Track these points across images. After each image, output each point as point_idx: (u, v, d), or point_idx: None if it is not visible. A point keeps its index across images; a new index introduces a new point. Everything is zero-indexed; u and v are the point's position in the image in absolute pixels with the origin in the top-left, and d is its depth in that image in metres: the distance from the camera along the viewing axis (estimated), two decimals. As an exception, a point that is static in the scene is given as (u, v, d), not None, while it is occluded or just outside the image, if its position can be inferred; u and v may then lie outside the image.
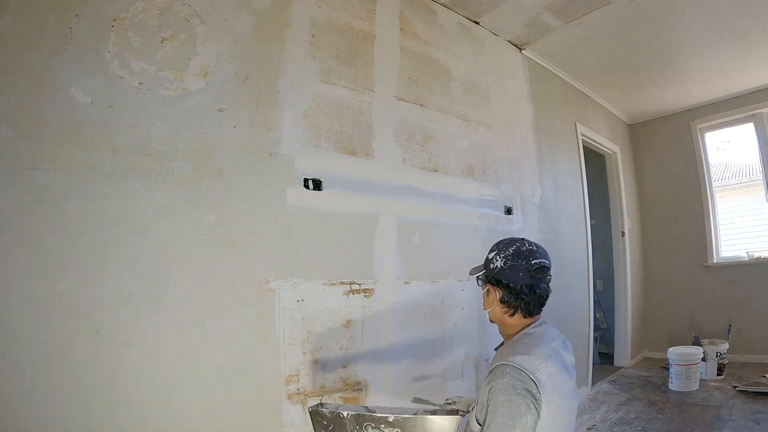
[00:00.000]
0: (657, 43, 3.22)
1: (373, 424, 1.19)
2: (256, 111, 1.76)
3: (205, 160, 1.61)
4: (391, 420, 1.17)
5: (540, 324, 1.17)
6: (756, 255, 4.11)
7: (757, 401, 2.85)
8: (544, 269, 1.14)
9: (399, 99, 2.29)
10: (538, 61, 3.39)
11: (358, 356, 1.93)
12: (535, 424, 0.97)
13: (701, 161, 4.43)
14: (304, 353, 1.76)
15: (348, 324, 1.92)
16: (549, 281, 1.17)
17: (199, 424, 1.50)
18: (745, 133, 4.42)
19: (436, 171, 2.40)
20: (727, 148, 6.56)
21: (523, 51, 3.22)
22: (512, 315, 1.16)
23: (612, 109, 4.54)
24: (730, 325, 3.78)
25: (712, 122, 4.42)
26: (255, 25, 1.81)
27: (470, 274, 1.29)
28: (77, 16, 1.40)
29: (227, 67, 1.70)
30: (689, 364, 3.24)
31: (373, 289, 2.02)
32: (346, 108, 2.06)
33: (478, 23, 2.86)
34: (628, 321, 4.21)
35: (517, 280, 1.13)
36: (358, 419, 1.20)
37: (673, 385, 3.29)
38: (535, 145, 3.17)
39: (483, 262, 1.24)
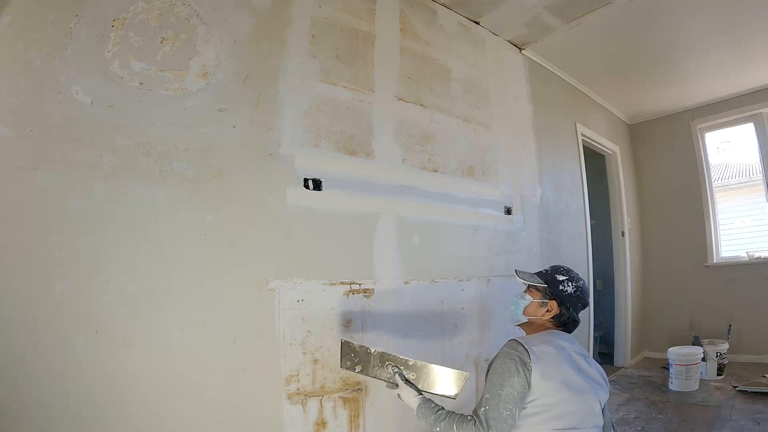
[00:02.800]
0: (657, 43, 3.22)
1: (393, 364, 1.41)
2: (256, 111, 1.76)
3: (205, 160, 1.61)
4: (410, 364, 1.40)
5: (557, 334, 1.32)
6: (756, 255, 4.11)
7: (757, 401, 2.85)
8: (587, 307, 1.42)
9: (399, 99, 2.29)
10: (538, 61, 3.39)
11: (358, 356, 1.93)
12: (523, 388, 1.13)
13: (701, 161, 4.43)
14: (304, 353, 1.76)
15: (348, 324, 1.92)
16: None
17: (199, 424, 1.50)
18: (745, 133, 4.42)
19: (436, 171, 2.40)
20: (727, 148, 6.56)
21: (523, 51, 3.22)
22: (553, 324, 1.35)
23: (612, 109, 4.54)
24: (730, 325, 3.78)
25: (712, 122, 4.42)
26: (255, 25, 1.81)
27: (523, 278, 1.45)
28: (77, 16, 1.40)
29: (227, 67, 1.70)
30: (689, 364, 3.24)
31: (373, 289, 2.02)
32: (346, 108, 2.06)
33: (478, 23, 2.85)
34: (628, 321, 4.21)
35: (575, 308, 1.35)
36: (382, 357, 1.42)
37: (673, 385, 3.29)
38: (535, 145, 3.17)
39: (540, 276, 1.43)
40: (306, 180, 1.85)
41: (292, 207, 1.80)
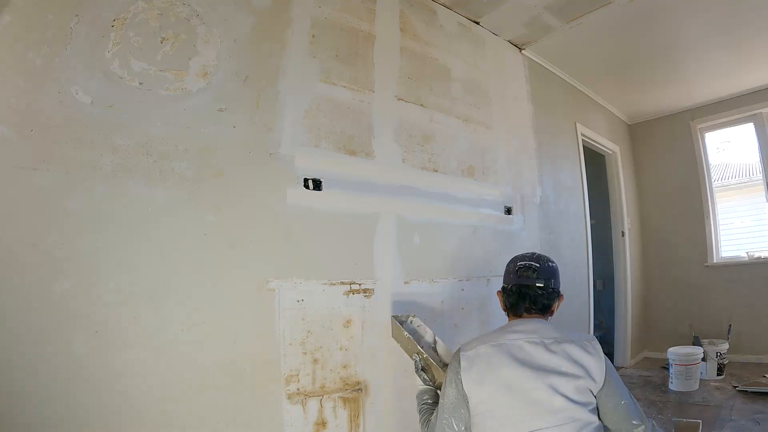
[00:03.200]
0: (657, 43, 3.22)
1: (416, 352, 1.63)
2: (256, 111, 1.76)
3: (205, 160, 1.61)
4: (424, 356, 1.60)
5: (525, 320, 1.24)
6: (756, 255, 4.11)
7: (757, 401, 2.84)
8: (529, 269, 1.26)
9: (399, 99, 2.29)
10: (538, 61, 3.39)
11: (359, 356, 1.93)
12: (457, 398, 1.14)
13: (701, 161, 4.43)
14: (304, 353, 1.76)
15: (348, 324, 1.92)
16: (543, 284, 1.25)
17: (199, 424, 1.50)
18: (745, 133, 4.42)
19: (436, 171, 2.40)
20: (727, 148, 6.56)
21: (523, 51, 3.22)
22: (508, 316, 1.32)
23: (612, 109, 4.54)
24: (730, 325, 3.78)
25: (712, 122, 4.41)
26: (255, 25, 1.81)
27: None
28: (77, 16, 1.40)
29: (227, 67, 1.70)
30: (689, 364, 3.24)
31: (373, 289, 2.02)
32: (346, 108, 2.06)
33: (478, 23, 2.85)
34: (628, 321, 4.21)
35: (508, 281, 1.31)
36: (409, 342, 1.70)
37: (673, 385, 3.29)
38: (535, 145, 3.17)
39: None
40: (306, 180, 1.85)
41: (292, 207, 1.80)
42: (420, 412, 1.36)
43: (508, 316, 1.32)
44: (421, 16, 2.50)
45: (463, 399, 1.13)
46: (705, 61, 3.51)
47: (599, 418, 1.11)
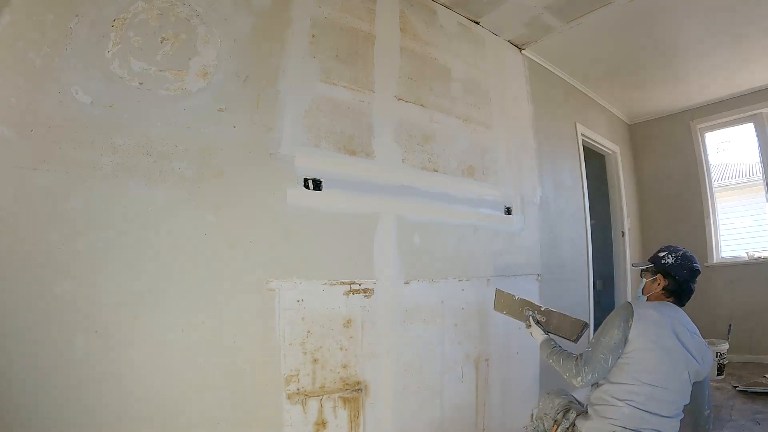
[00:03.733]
0: (657, 43, 3.21)
1: (529, 309, 1.84)
2: (256, 111, 1.76)
3: (205, 160, 1.61)
4: (542, 309, 1.81)
5: (671, 305, 1.50)
6: (756, 255, 4.11)
7: (757, 401, 2.84)
8: (698, 273, 1.53)
9: (399, 99, 2.29)
10: (538, 61, 3.39)
11: (358, 356, 1.93)
12: (620, 340, 1.39)
13: (701, 161, 4.43)
14: (304, 353, 1.76)
15: (348, 324, 1.92)
16: (696, 284, 1.53)
17: (199, 423, 1.50)
18: (745, 133, 4.42)
19: (436, 171, 2.40)
20: (727, 148, 6.57)
21: (523, 51, 3.22)
22: (661, 296, 1.54)
23: (612, 109, 4.53)
24: (730, 325, 3.78)
25: (712, 122, 4.41)
26: (255, 25, 1.81)
27: (632, 266, 1.74)
28: (77, 16, 1.40)
29: (227, 67, 1.70)
30: (689, 364, 3.23)
31: (373, 289, 2.02)
32: (346, 108, 2.06)
33: (478, 23, 2.85)
34: (628, 321, 4.20)
35: (681, 275, 1.51)
36: (522, 303, 1.88)
37: (673, 385, 3.28)
38: (535, 145, 3.17)
39: (649, 260, 1.63)
40: (306, 180, 1.85)
41: (292, 207, 1.80)
42: (551, 354, 1.59)
43: (658, 298, 1.55)
44: (421, 16, 2.50)
45: (623, 342, 1.39)
46: (705, 61, 3.51)
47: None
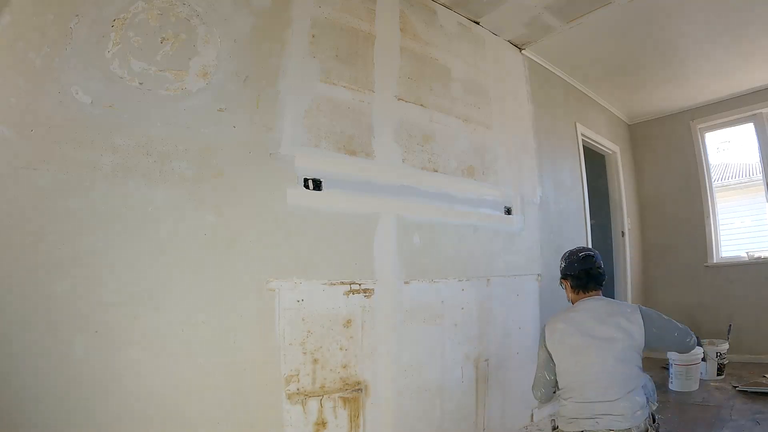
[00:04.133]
0: (657, 43, 3.21)
1: None
2: (256, 111, 1.76)
3: (205, 160, 1.61)
4: None
5: (587, 300, 1.67)
6: (756, 255, 4.11)
7: (757, 401, 2.84)
8: (590, 257, 1.73)
9: (399, 99, 2.29)
10: (538, 61, 3.39)
11: (358, 356, 1.93)
12: (547, 357, 1.62)
13: (701, 161, 4.43)
14: (304, 353, 1.76)
15: (348, 324, 1.92)
16: (600, 267, 1.72)
17: (199, 423, 1.50)
18: (745, 133, 4.42)
19: (436, 171, 2.40)
20: (727, 148, 6.57)
21: (523, 51, 3.22)
22: (576, 293, 1.72)
23: (612, 109, 4.53)
24: (730, 325, 3.78)
25: (712, 122, 4.41)
26: (255, 25, 1.81)
27: (559, 284, 1.87)
28: (77, 16, 1.40)
29: (227, 67, 1.70)
30: (689, 364, 3.23)
31: (373, 289, 2.02)
32: (346, 108, 2.06)
33: (478, 23, 2.85)
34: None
35: (573, 269, 1.72)
36: None
37: (673, 385, 3.28)
38: (535, 145, 3.17)
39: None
40: (306, 180, 1.85)
41: (292, 207, 1.80)
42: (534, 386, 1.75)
43: (575, 295, 1.72)
44: (421, 16, 2.50)
45: (549, 357, 1.62)
46: (705, 61, 3.51)
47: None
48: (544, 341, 1.65)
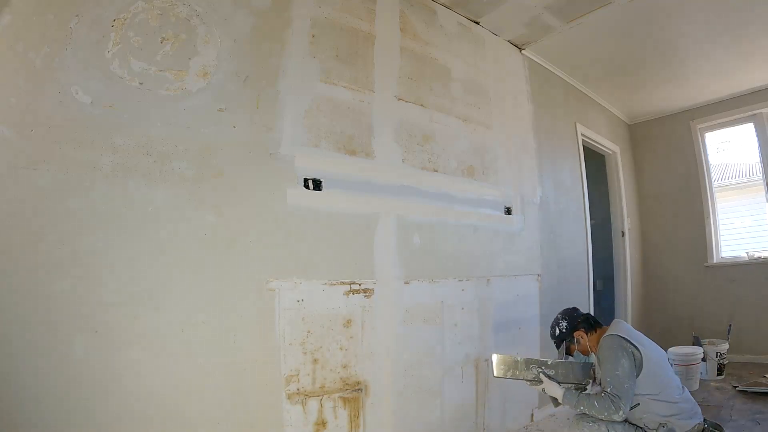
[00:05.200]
0: (657, 43, 3.21)
1: (536, 366, 1.80)
2: (256, 111, 1.76)
3: (205, 160, 1.61)
4: (549, 363, 1.81)
5: (615, 323, 1.78)
6: (756, 255, 4.11)
7: (757, 401, 2.84)
8: (575, 308, 1.93)
9: (399, 99, 2.29)
10: (538, 61, 3.39)
11: (358, 356, 1.93)
12: (632, 366, 1.58)
13: (701, 161, 4.43)
14: (304, 353, 1.76)
15: (348, 324, 1.92)
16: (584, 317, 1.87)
17: (199, 423, 1.50)
18: (745, 133, 4.42)
19: (436, 171, 2.40)
20: (727, 148, 6.56)
21: (523, 51, 3.22)
22: (595, 331, 1.83)
23: (612, 109, 4.53)
24: (730, 325, 3.78)
25: (712, 122, 4.41)
26: (255, 25, 1.80)
27: (558, 351, 1.92)
28: (77, 16, 1.40)
29: (227, 67, 1.70)
30: (689, 364, 3.23)
31: (373, 289, 2.02)
32: (346, 108, 2.06)
33: (478, 23, 2.85)
34: (627, 321, 4.20)
35: (575, 319, 1.87)
36: (527, 362, 1.81)
37: (673, 385, 3.28)
38: (535, 145, 3.17)
39: (558, 341, 1.91)
40: (306, 180, 1.85)
41: (292, 207, 1.80)
42: (580, 401, 1.62)
43: (594, 333, 1.83)
44: (421, 16, 2.50)
45: (634, 367, 1.58)
46: (705, 61, 3.51)
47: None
48: (629, 350, 1.61)
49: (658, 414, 1.58)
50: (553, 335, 1.91)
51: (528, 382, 1.82)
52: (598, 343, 1.75)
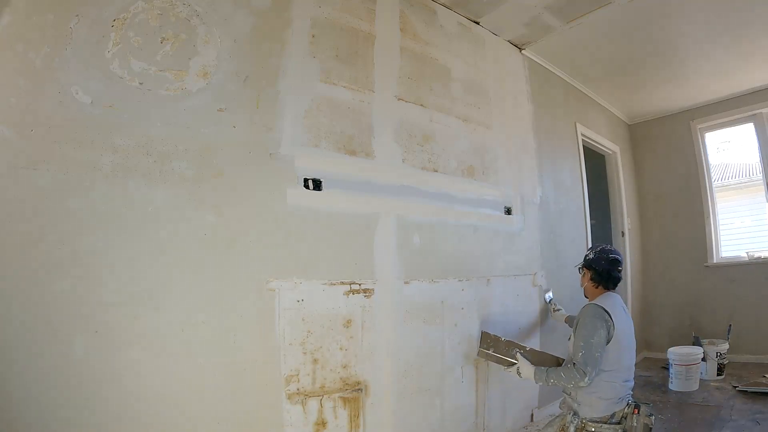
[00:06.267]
0: (657, 43, 3.21)
1: (516, 348, 2.06)
2: (256, 111, 1.76)
3: (205, 160, 1.61)
4: (528, 349, 2.05)
5: (613, 295, 1.86)
6: (756, 255, 4.11)
7: (757, 401, 2.84)
8: (617, 261, 1.90)
9: (399, 99, 2.29)
10: (538, 61, 3.39)
11: (358, 356, 1.93)
12: (605, 337, 1.67)
13: (701, 161, 4.43)
14: (304, 353, 1.76)
15: (348, 324, 1.92)
16: (620, 270, 1.90)
17: (199, 423, 1.50)
18: (745, 133, 4.42)
19: (436, 171, 2.40)
20: (727, 148, 6.57)
21: (523, 51, 3.22)
22: (596, 287, 1.91)
23: (612, 109, 4.53)
24: (730, 325, 3.78)
25: (712, 122, 4.41)
26: (255, 25, 1.81)
27: (575, 266, 2.08)
28: (77, 16, 1.40)
29: (227, 67, 1.70)
30: (689, 364, 3.24)
31: (373, 289, 2.02)
32: (346, 108, 2.06)
33: (478, 23, 2.85)
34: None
35: (600, 266, 1.89)
36: (509, 344, 2.11)
37: (673, 385, 3.29)
38: (535, 145, 3.17)
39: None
40: (306, 180, 1.85)
41: (292, 207, 1.80)
42: (549, 375, 1.77)
43: (594, 288, 1.91)
44: (421, 16, 2.50)
45: (607, 338, 1.68)
46: (705, 61, 3.51)
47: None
48: (608, 321, 1.70)
49: (601, 397, 1.68)
50: (584, 256, 2.03)
51: (504, 368, 2.07)
52: (592, 296, 1.90)
